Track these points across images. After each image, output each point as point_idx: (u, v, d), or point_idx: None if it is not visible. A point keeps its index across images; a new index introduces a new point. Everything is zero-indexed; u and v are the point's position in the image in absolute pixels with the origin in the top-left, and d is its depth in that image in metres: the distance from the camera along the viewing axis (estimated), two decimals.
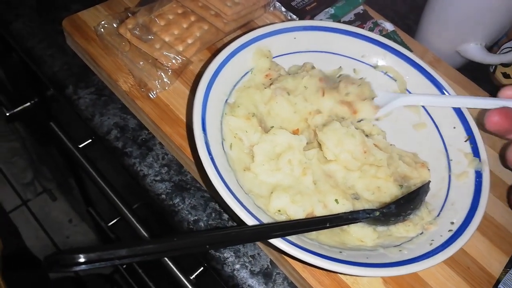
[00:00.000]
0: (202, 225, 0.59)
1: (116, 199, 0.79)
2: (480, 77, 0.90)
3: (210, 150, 0.49)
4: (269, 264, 0.58)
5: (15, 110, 1.10)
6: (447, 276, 0.57)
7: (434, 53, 0.83)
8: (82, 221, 2.00)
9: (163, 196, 0.61)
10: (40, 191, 1.95)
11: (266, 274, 0.57)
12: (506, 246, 0.62)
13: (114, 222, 1.12)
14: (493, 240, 0.62)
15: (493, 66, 0.88)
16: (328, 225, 0.45)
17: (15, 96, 1.31)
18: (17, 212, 2.00)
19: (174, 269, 0.71)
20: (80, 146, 0.83)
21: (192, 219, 0.60)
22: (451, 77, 0.80)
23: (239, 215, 0.45)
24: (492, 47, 0.87)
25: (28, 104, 1.12)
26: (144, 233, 0.77)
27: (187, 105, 0.64)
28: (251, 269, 0.57)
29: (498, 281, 0.60)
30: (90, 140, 0.78)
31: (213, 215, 0.60)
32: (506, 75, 0.86)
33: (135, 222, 0.77)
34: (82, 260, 0.30)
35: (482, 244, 0.62)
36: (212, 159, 0.48)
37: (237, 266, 0.57)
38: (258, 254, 0.58)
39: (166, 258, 0.72)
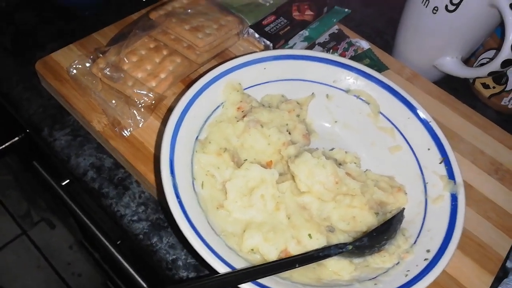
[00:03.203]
0: (181, 264, 0.59)
1: (100, 236, 0.78)
2: (460, 89, 0.89)
3: (178, 193, 0.49)
4: None
5: (3, 146, 1.11)
6: None
7: (411, 69, 0.82)
8: (83, 247, 1.99)
9: (141, 236, 0.61)
10: (37, 220, 1.95)
11: None
12: (490, 265, 0.61)
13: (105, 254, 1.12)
14: (477, 259, 0.61)
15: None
16: (297, 266, 0.44)
17: (2, 131, 1.31)
18: (17, 241, 2.00)
19: None
20: (63, 183, 0.83)
21: (170, 258, 0.59)
22: (429, 92, 0.80)
23: (207, 261, 0.44)
24: (469, 59, 0.87)
25: (17, 138, 1.13)
26: (129, 268, 0.76)
27: (156, 138, 0.64)
28: None
29: None
30: (68, 180, 0.78)
31: (191, 255, 0.59)
32: (485, 86, 0.85)
33: (119, 257, 0.76)
34: None
35: (466, 265, 0.61)
36: (180, 202, 0.48)
37: None
38: None
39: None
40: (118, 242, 0.80)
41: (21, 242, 2.00)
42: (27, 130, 0.97)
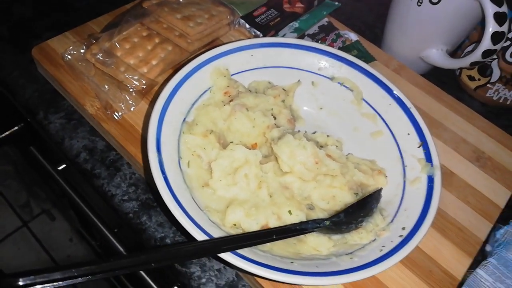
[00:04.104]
0: (169, 241, 0.61)
1: (97, 222, 0.80)
2: (447, 81, 0.91)
3: (164, 169, 0.51)
4: (234, 277, 0.59)
5: (3, 135, 1.13)
6: (408, 280, 0.58)
7: (398, 61, 0.84)
8: (83, 239, 2.02)
9: (131, 215, 0.63)
10: (37, 213, 1.97)
11: (232, 287, 0.58)
12: (469, 248, 0.63)
13: (102, 241, 1.14)
14: (456, 242, 0.63)
15: (459, 70, 0.90)
16: (274, 237, 0.46)
17: (2, 120, 1.34)
18: (18, 233, 2.03)
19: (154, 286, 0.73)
20: (60, 168, 0.85)
21: (159, 236, 0.61)
22: (415, 83, 0.81)
23: (187, 229, 0.46)
24: (456, 51, 0.89)
25: (16, 128, 1.15)
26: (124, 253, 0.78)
27: (144, 120, 0.66)
28: (217, 282, 0.59)
29: (462, 283, 0.61)
30: (64, 165, 0.81)
31: (180, 232, 0.62)
32: (471, 78, 0.87)
33: (116, 243, 0.78)
34: (20, 283, 0.32)
35: (445, 247, 0.63)
36: (165, 178, 0.50)
37: (203, 280, 0.59)
38: (224, 267, 0.60)
39: (145, 275, 0.74)
40: (115, 230, 0.82)
41: (22, 234, 2.03)
42: (28, 120, 1.00)
